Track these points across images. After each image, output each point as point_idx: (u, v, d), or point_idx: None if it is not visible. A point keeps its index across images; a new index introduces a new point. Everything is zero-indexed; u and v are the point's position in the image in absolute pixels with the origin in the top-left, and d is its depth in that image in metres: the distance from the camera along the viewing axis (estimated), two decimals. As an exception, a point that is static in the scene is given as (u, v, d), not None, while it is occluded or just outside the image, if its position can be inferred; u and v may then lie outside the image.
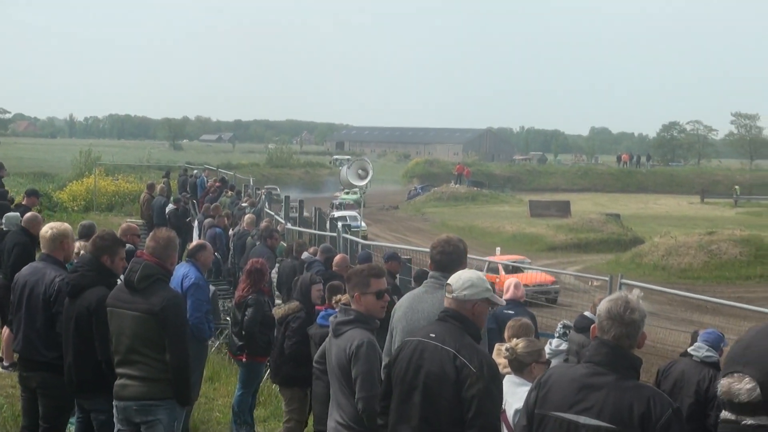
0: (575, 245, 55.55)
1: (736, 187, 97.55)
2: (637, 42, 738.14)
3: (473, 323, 6.40)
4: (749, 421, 2.29)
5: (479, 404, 6.04)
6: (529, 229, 61.37)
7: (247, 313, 12.46)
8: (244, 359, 12.70)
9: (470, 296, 6.37)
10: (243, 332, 12.51)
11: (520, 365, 7.62)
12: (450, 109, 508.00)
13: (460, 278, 6.48)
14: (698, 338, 9.80)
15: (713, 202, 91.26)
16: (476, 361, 6.13)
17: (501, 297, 9.47)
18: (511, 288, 12.95)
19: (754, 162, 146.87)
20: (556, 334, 12.75)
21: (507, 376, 7.58)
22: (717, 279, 45.39)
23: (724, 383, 2.34)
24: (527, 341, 7.83)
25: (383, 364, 7.10)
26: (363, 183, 32.09)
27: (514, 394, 7.33)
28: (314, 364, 9.04)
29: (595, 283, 25.86)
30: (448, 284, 6.47)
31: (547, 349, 11.69)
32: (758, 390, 2.26)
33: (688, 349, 9.70)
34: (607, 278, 15.80)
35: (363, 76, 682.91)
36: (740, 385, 2.30)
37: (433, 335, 6.33)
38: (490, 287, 6.55)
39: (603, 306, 5.30)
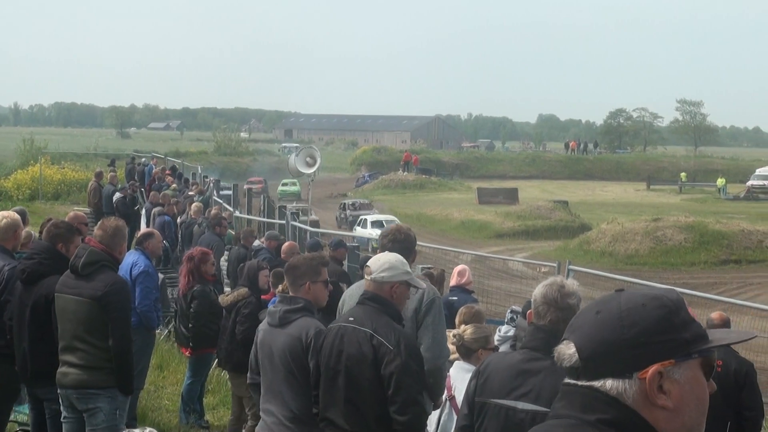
0: (523, 232, 55.82)
1: (682, 174, 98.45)
2: (583, 29, 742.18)
3: (392, 304, 6.43)
4: (574, 383, 2.47)
5: (398, 380, 6.11)
6: (477, 216, 61.56)
7: (193, 305, 12.39)
8: (190, 353, 12.68)
9: (388, 278, 6.41)
10: (190, 324, 12.46)
11: (467, 351, 7.66)
12: (398, 96, 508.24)
13: (378, 260, 6.53)
14: None
15: (659, 188, 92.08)
16: (393, 338, 6.19)
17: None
18: (456, 275, 13.02)
19: (698, 149, 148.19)
20: (506, 320, 12.83)
21: (455, 363, 7.63)
22: (663, 265, 45.86)
23: (556, 349, 2.51)
24: (475, 327, 7.87)
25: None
26: (311, 171, 32.01)
27: (463, 380, 7.36)
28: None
29: (543, 270, 25.99)
30: (367, 266, 6.53)
31: (496, 335, 11.76)
32: (577, 355, 2.43)
33: None
34: (554, 265, 15.90)
35: (311, 64, 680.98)
36: (566, 350, 2.46)
37: (352, 319, 6.40)
38: (409, 270, 6.60)
39: (538, 291, 5.32)
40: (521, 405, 5.11)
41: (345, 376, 6.31)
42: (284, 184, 66.76)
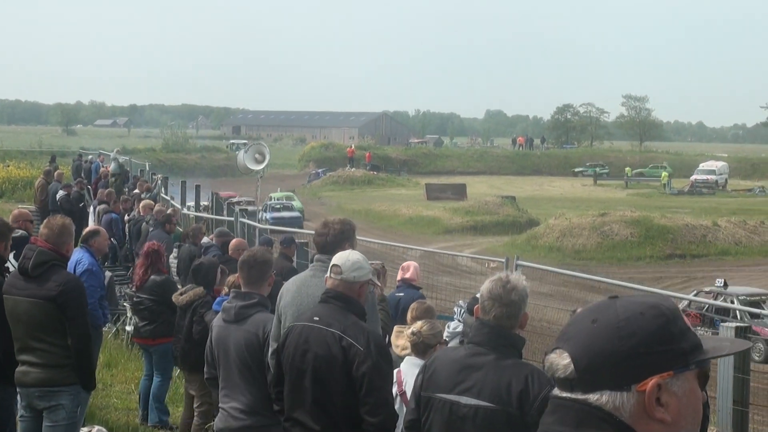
0: (471, 228, 56.03)
1: (627, 168, 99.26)
2: (530, 24, 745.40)
3: (358, 303, 6.42)
4: (567, 395, 2.40)
5: (370, 381, 6.09)
6: (425, 212, 61.71)
7: (154, 294, 12.41)
8: (153, 342, 12.65)
9: (359, 278, 6.40)
10: (152, 316, 12.48)
11: (425, 347, 7.67)
12: (346, 92, 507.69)
13: (348, 260, 6.47)
14: None
15: (605, 183, 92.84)
16: (362, 339, 6.17)
17: None
18: (402, 270, 13.05)
19: (643, 144, 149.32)
20: (455, 316, 12.88)
21: (407, 359, 7.64)
22: (609, 260, 46.29)
23: (547, 359, 2.44)
24: (430, 323, 7.89)
25: (272, 350, 7.07)
26: (260, 167, 32.01)
27: (414, 376, 7.39)
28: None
29: (491, 265, 26.12)
30: (336, 265, 6.43)
31: (445, 331, 11.79)
32: (572, 366, 2.37)
33: None
34: (503, 260, 15.96)
35: (259, 60, 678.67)
36: (559, 360, 2.40)
37: (317, 318, 6.34)
38: (371, 269, 6.63)
39: (484, 286, 5.34)
40: (465, 399, 5.13)
41: (312, 377, 6.27)
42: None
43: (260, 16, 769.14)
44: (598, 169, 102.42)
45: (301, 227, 37.79)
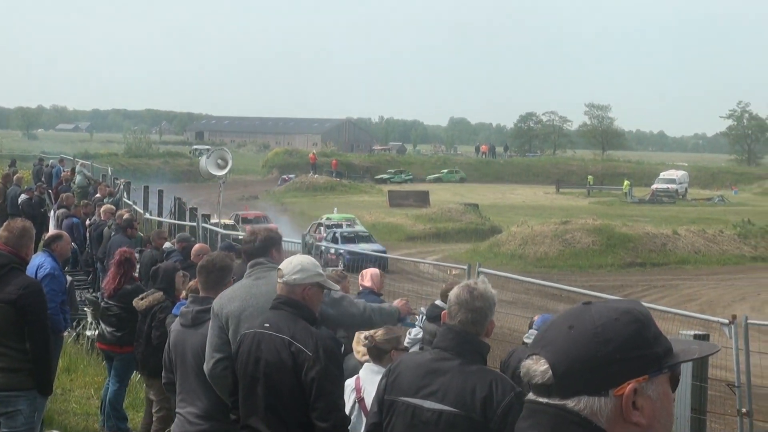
0: (434, 235, 56.19)
1: (590, 177, 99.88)
2: (495, 33, 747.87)
3: (307, 307, 6.39)
4: (544, 401, 2.41)
5: (319, 386, 6.07)
6: (388, 218, 61.82)
7: (124, 304, 12.35)
8: (120, 350, 12.59)
9: (300, 280, 6.36)
10: (120, 324, 12.43)
11: (379, 353, 7.67)
12: (309, 99, 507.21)
13: (290, 263, 6.46)
14: (533, 325, 9.92)
15: (568, 191, 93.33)
16: (311, 344, 6.15)
17: None
18: (368, 276, 13.04)
19: (606, 152, 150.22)
20: (416, 323, 12.89)
21: (366, 365, 7.63)
22: (571, 267, 46.52)
23: (524, 365, 2.45)
24: (386, 329, 7.89)
25: (215, 359, 7.02)
26: (222, 173, 31.89)
27: (372, 382, 7.38)
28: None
29: (453, 272, 26.19)
30: (279, 269, 6.46)
31: (406, 338, 11.79)
32: (550, 372, 2.39)
33: (524, 337, 9.87)
34: (465, 267, 16.00)
35: (223, 66, 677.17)
36: (536, 367, 2.41)
37: (268, 325, 6.32)
38: (322, 272, 6.57)
39: (452, 292, 5.36)
40: (428, 404, 5.13)
41: (264, 384, 6.25)
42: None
43: (224, 21, 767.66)
44: (403, 176, 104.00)
45: (386, 266, 29.94)
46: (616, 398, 2.35)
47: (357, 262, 23.45)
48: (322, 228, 48.43)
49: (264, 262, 7.21)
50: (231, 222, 42.70)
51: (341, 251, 34.36)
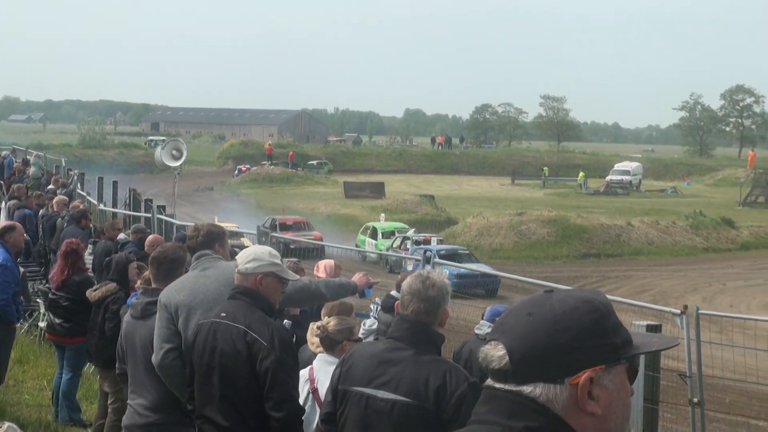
0: (389, 226, 56.20)
1: (545, 168, 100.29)
2: (450, 24, 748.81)
3: (264, 297, 6.40)
4: (500, 386, 2.42)
5: (273, 376, 6.08)
6: (343, 210, 61.86)
7: (74, 294, 12.28)
8: (70, 340, 12.52)
9: (253, 270, 6.37)
10: (69, 315, 12.36)
11: (331, 343, 7.67)
12: (265, 90, 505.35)
13: (245, 252, 6.51)
14: (484, 316, 9.94)
15: (523, 183, 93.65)
16: (267, 334, 6.15)
17: None
18: (322, 268, 13.04)
19: (561, 144, 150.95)
20: (371, 314, 12.91)
21: (319, 356, 7.63)
22: (526, 258, 46.79)
23: (482, 350, 2.46)
24: (339, 319, 7.89)
25: (165, 350, 7.00)
26: (177, 164, 31.74)
27: (326, 373, 7.37)
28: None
29: (410, 262, 26.24)
30: (235, 259, 6.52)
31: (361, 329, 11.80)
32: (507, 357, 2.39)
33: (475, 328, 9.90)
34: (419, 258, 16.03)
35: (179, 56, 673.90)
36: (494, 352, 2.42)
37: (224, 314, 6.33)
38: (278, 262, 6.57)
39: (405, 282, 5.36)
40: (381, 394, 5.14)
41: (220, 373, 6.25)
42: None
43: (178, 12, 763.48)
44: (325, 168, 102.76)
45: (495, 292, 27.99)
46: (572, 387, 2.36)
47: (466, 288, 21.18)
48: (408, 242, 43.89)
49: (209, 253, 7.23)
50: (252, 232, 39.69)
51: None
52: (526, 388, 2.37)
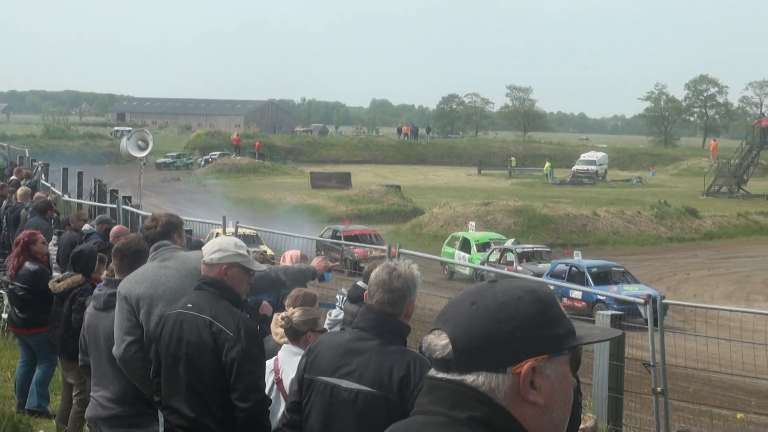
0: (356, 216, 56.16)
1: (512, 158, 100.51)
2: (415, 14, 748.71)
3: (230, 288, 6.42)
4: (443, 376, 2.43)
5: (239, 367, 6.12)
6: (310, 200, 61.80)
7: (27, 284, 12.23)
8: (28, 332, 12.46)
9: (218, 260, 6.39)
10: (24, 305, 12.30)
11: (296, 334, 7.67)
12: (232, 80, 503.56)
13: (210, 243, 6.55)
14: None
15: (490, 173, 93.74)
16: (233, 324, 6.18)
17: None
18: (288, 258, 13.05)
19: (527, 134, 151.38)
20: (337, 304, 12.92)
21: (284, 346, 7.64)
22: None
23: (425, 339, 2.47)
24: (303, 310, 7.89)
25: (126, 342, 6.99)
26: (143, 155, 31.70)
27: (291, 364, 7.38)
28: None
29: (373, 254, 26.28)
30: (196, 250, 6.53)
31: (326, 319, 11.82)
32: (450, 347, 2.40)
33: None
34: (385, 248, 16.07)
35: (144, 47, 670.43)
36: (437, 341, 2.43)
37: (191, 305, 6.34)
38: (244, 253, 6.57)
39: (373, 272, 5.40)
40: (345, 383, 5.17)
41: (186, 364, 6.25)
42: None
43: (144, 2, 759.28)
44: (184, 159, 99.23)
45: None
46: (515, 376, 2.37)
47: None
48: (509, 255, 38.55)
49: (167, 243, 7.22)
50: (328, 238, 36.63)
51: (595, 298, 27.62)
52: (469, 378, 2.38)
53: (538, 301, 2.43)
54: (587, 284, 30.99)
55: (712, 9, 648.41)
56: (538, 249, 40.50)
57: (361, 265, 29.80)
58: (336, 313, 12.66)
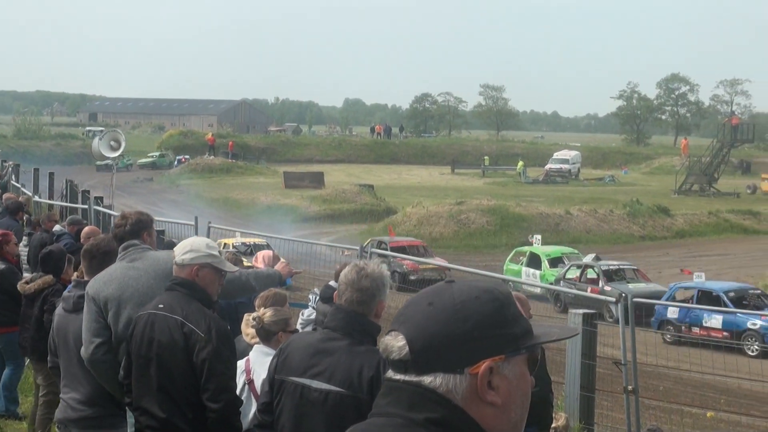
0: (329, 216, 56.24)
1: (485, 157, 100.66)
2: (389, 12, 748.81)
3: (202, 289, 6.41)
4: (401, 377, 2.43)
5: (210, 367, 6.11)
6: (283, 200, 61.73)
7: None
8: None
9: (189, 261, 6.39)
10: None
11: (267, 334, 7.67)
12: (205, 80, 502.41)
13: (182, 244, 6.54)
14: None
15: (463, 172, 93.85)
16: (204, 325, 6.18)
17: None
18: (260, 259, 13.03)
19: (500, 133, 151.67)
20: (309, 303, 12.92)
21: (256, 347, 7.64)
22: (466, 248, 46.98)
23: (383, 341, 2.46)
24: (274, 310, 7.89)
25: (95, 344, 6.97)
26: (115, 155, 31.59)
27: (262, 364, 7.38)
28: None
29: (345, 253, 26.25)
30: (165, 250, 6.52)
31: (299, 319, 11.82)
32: (407, 348, 2.40)
33: None
34: (357, 248, 16.08)
35: (117, 47, 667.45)
36: (394, 342, 2.42)
37: (162, 306, 6.33)
38: (215, 254, 6.57)
39: (342, 272, 5.42)
40: (315, 384, 5.18)
41: (157, 364, 6.25)
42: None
43: (116, 1, 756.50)
44: (125, 160, 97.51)
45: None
46: (472, 376, 2.36)
47: None
48: (591, 271, 34.77)
49: (137, 243, 7.20)
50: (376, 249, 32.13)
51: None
52: (426, 379, 2.37)
53: (495, 301, 2.42)
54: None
55: (685, 7, 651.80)
56: (624, 266, 36.24)
57: (411, 277, 28.39)
58: (308, 313, 12.65)
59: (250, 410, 6.51)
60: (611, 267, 34.96)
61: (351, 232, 49.79)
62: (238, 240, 31.95)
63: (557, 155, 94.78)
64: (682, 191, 73.40)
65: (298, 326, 10.55)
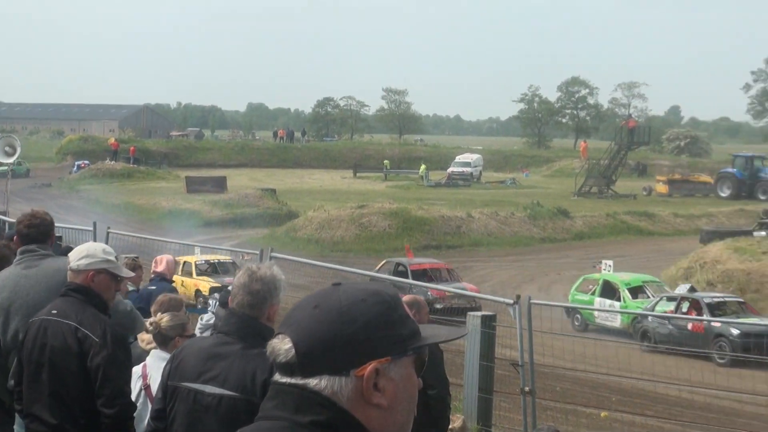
0: (231, 220, 55.95)
1: (386, 161, 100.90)
2: (292, 16, 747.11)
3: (97, 295, 6.37)
4: (287, 380, 2.48)
5: (105, 372, 6.08)
6: (185, 205, 61.22)
7: None
8: None
9: (85, 266, 6.35)
10: None
11: (164, 339, 7.66)
12: (106, 85, 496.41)
13: (78, 249, 6.49)
14: None
15: (365, 176, 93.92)
16: (99, 330, 6.15)
17: None
18: (163, 263, 12.99)
19: (402, 136, 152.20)
20: (209, 308, 12.90)
21: (153, 352, 7.62)
22: (367, 251, 47.03)
23: (270, 344, 2.50)
24: (171, 315, 7.88)
25: None
26: (10, 160, 31.14)
27: (159, 369, 7.39)
28: None
29: (246, 257, 26.18)
30: (68, 257, 6.49)
31: (198, 323, 11.80)
32: (293, 351, 2.45)
33: None
34: (257, 252, 16.05)
35: (14, 49, 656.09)
36: (281, 345, 2.47)
37: (56, 311, 6.27)
38: (112, 259, 6.54)
39: (236, 276, 5.48)
40: (209, 388, 5.20)
41: (49, 370, 6.18)
42: None
43: (11, 1, 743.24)
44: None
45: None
46: (358, 379, 2.38)
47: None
48: (686, 304, 29.23)
49: (35, 249, 7.12)
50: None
51: None
52: (312, 381, 2.39)
53: (382, 303, 2.44)
54: None
55: (584, 11, 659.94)
56: (729, 299, 30.64)
57: (437, 306, 24.54)
58: (207, 318, 12.62)
59: (146, 416, 6.50)
60: (715, 299, 29.89)
61: (254, 236, 49.59)
62: (200, 258, 31.61)
63: (459, 158, 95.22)
64: (581, 193, 74.26)
65: (197, 331, 10.56)
